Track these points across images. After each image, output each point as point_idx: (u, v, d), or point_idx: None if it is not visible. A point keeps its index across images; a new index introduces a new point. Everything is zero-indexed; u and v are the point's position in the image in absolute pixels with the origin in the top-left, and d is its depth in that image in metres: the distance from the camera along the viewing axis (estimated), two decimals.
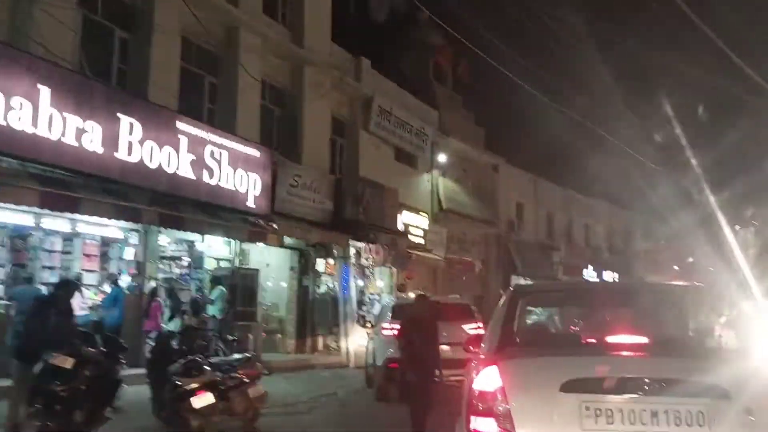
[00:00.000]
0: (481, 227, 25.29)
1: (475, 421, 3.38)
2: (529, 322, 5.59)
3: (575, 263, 31.06)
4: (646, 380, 3.23)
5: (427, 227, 20.67)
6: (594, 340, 4.26)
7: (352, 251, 16.28)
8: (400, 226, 18.50)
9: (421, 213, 20.40)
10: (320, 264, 16.11)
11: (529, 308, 6.04)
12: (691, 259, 47.08)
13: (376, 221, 16.70)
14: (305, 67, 15.84)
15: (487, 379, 3.42)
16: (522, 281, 27.46)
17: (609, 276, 34.69)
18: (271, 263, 15.18)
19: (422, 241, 20.22)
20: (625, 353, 3.61)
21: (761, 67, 12.45)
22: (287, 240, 14.58)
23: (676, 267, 47.05)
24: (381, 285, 17.84)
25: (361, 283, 16.86)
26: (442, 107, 24.03)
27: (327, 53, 16.69)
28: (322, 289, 16.18)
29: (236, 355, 8.38)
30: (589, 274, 32.81)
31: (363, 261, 17.21)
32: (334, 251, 15.82)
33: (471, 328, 10.09)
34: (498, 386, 3.34)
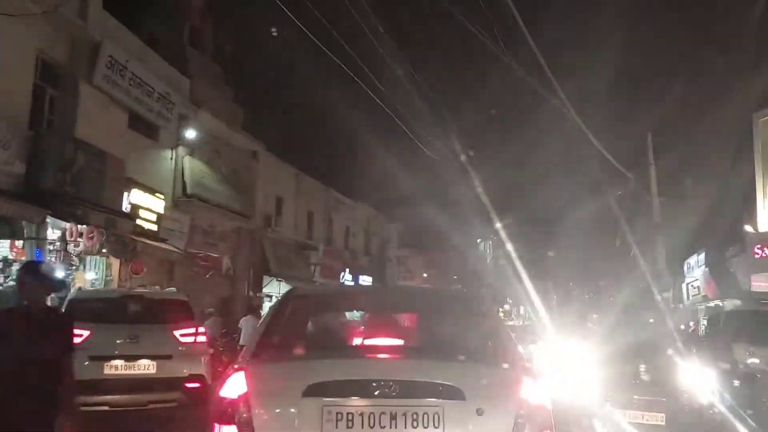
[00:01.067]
0: (234, 220, 22.38)
1: (219, 430, 3.31)
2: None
3: (333, 265, 29.53)
4: (389, 382, 3.27)
5: (163, 212, 17.25)
6: (353, 343, 4.38)
7: (52, 232, 12.49)
8: (126, 207, 14.94)
9: (157, 195, 16.96)
10: (4, 247, 12.08)
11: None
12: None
13: (91, 196, 13.05)
14: None
15: (232, 385, 3.38)
16: (276, 283, 25.19)
17: (365, 280, 33.96)
18: None
19: (155, 228, 16.78)
20: (378, 356, 3.77)
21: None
22: None
23: (425, 274, 48.92)
24: (92, 278, 14.08)
25: (61, 274, 12.99)
26: (196, 77, 20.78)
27: None
28: (9, 281, 12.12)
29: None
30: (346, 277, 31.63)
31: (71, 246, 13.42)
32: (25, 230, 11.88)
33: (185, 335, 7.41)
34: (242, 393, 3.31)
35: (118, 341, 7.79)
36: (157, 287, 15.50)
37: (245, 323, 14.67)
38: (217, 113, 21.37)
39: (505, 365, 3.71)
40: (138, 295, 8.52)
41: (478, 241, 60.55)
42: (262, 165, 25.06)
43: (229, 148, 22.84)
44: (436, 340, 4.64)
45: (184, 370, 7.81)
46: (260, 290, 24.61)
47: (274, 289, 25.51)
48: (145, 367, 7.58)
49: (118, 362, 7.55)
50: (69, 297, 8.26)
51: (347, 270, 31.61)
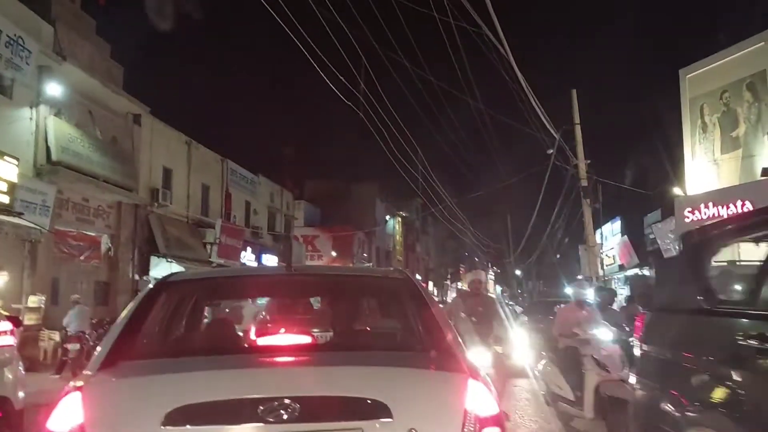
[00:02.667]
0: (113, 192, 19.36)
1: None
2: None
3: (232, 244, 26.85)
4: (286, 402, 2.39)
5: (17, 180, 14.19)
6: (243, 344, 3.72)
7: None
8: None
9: (6, 159, 13.87)
10: None
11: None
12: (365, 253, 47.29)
13: None
14: None
15: (62, 413, 2.43)
16: (167, 265, 22.36)
17: (269, 260, 31.51)
18: None
19: (6, 200, 13.73)
20: (274, 360, 2.86)
21: None
22: None
23: (333, 253, 47.10)
24: None
25: None
26: (62, 24, 17.57)
27: None
28: None
29: None
30: (248, 257, 29.05)
31: None
32: None
33: None
34: (76, 425, 2.38)
35: None
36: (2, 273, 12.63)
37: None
38: (89, 69, 18.26)
39: (444, 365, 2.78)
40: None
41: (387, 218, 59.40)
42: (146, 131, 22.03)
43: (105, 110, 19.78)
44: (351, 334, 3.98)
45: None
46: (146, 273, 21.70)
47: (164, 272, 22.62)
48: None
49: None
50: None
51: (248, 249, 29.00)
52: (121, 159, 19.80)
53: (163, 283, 3.58)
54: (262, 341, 3.48)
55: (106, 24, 20.80)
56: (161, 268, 22.33)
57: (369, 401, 2.48)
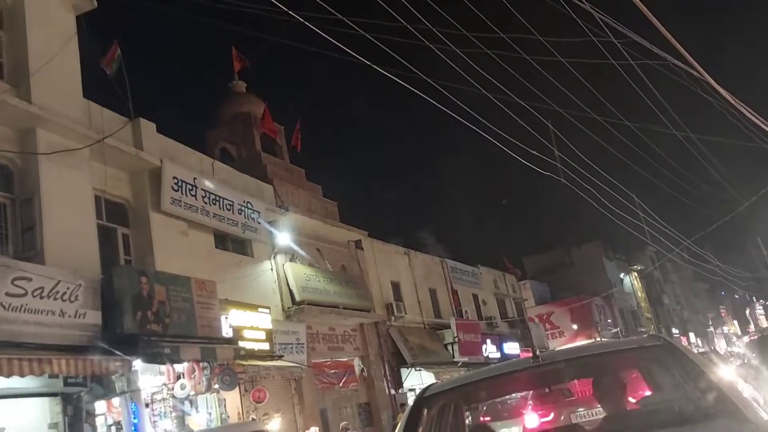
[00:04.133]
0: (353, 317, 20.64)
1: None
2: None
3: (471, 339, 26.88)
4: None
5: (272, 327, 15.71)
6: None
7: (145, 381, 11.13)
8: (227, 332, 13.48)
9: (260, 310, 15.49)
10: (100, 407, 10.77)
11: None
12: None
13: (181, 330, 11.66)
14: (37, 130, 11.05)
15: None
16: (416, 374, 22.93)
17: (511, 347, 30.92)
18: (9, 425, 9.67)
19: (266, 347, 15.20)
20: None
21: None
22: (28, 383, 9.32)
23: (574, 326, 45.02)
24: (206, 419, 12.47)
25: (169, 424, 11.50)
26: (278, 180, 19.80)
27: (77, 112, 12.03)
28: None
29: None
30: (488, 349, 28.77)
31: (177, 391, 11.98)
32: (115, 384, 10.53)
33: None
34: None
35: None
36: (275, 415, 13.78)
37: None
38: (308, 212, 20.20)
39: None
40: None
41: (621, 276, 56.00)
42: (368, 252, 23.47)
43: (330, 244, 21.51)
44: (622, 415, 3.60)
45: None
46: (400, 386, 22.38)
47: (416, 381, 23.22)
48: None
49: None
50: None
51: (488, 341, 28.76)
52: (353, 284, 21.17)
53: (421, 399, 3.64)
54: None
55: (315, 170, 23.04)
56: (412, 378, 22.94)
57: None
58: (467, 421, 4.80)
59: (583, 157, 12.60)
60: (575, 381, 5.01)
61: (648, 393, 4.14)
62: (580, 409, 4.37)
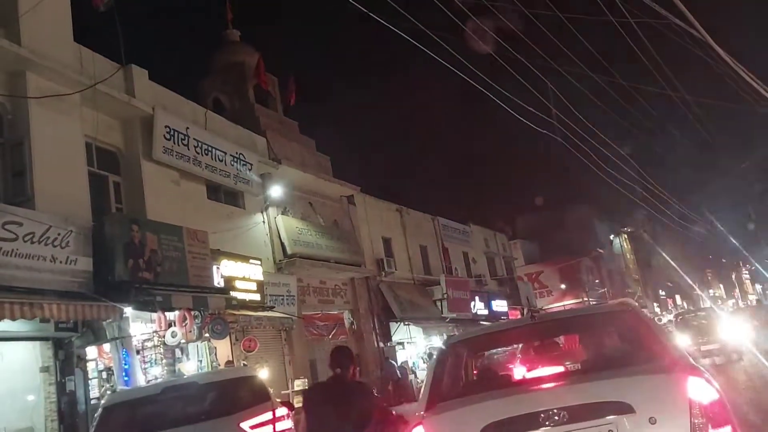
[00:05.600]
0: (344, 271, 20.79)
1: None
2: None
3: (460, 296, 27.18)
4: (558, 411, 3.37)
5: (263, 278, 15.80)
6: (518, 378, 4.86)
7: (136, 328, 11.22)
8: (218, 282, 13.55)
9: (252, 261, 15.55)
10: (91, 353, 10.88)
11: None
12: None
13: (172, 279, 11.72)
14: (27, 74, 10.86)
15: None
16: (404, 328, 23.25)
17: (499, 305, 31.31)
18: (0, 369, 9.78)
19: (257, 297, 15.32)
20: (543, 386, 3.91)
21: None
22: (19, 327, 9.38)
23: (562, 286, 45.48)
24: (196, 367, 12.62)
25: (159, 371, 11.64)
26: (271, 133, 19.64)
27: (68, 56, 11.82)
28: (99, 390, 10.91)
29: None
30: (477, 306, 29.11)
31: (168, 339, 12.09)
32: (106, 331, 10.61)
33: (257, 425, 5.42)
34: None
35: None
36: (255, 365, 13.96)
37: None
38: (301, 165, 20.10)
39: (667, 369, 3.62)
40: (185, 383, 6.42)
41: (611, 237, 56.39)
42: (360, 208, 23.51)
43: (322, 198, 21.49)
44: (592, 360, 5.15)
45: None
46: (389, 340, 22.70)
47: (404, 335, 23.55)
48: None
49: None
50: (102, 404, 6.41)
51: (476, 298, 29.10)
52: (345, 239, 21.24)
53: (446, 344, 4.76)
54: (530, 375, 4.51)
55: (308, 123, 22.78)
56: (401, 332, 23.25)
57: (616, 402, 3.36)
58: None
59: (578, 115, 12.46)
60: (562, 337, 6.48)
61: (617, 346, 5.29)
62: (567, 363, 5.50)
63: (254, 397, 5.60)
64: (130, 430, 5.69)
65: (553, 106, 10.33)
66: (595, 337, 5.57)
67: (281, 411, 5.51)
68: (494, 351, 11.69)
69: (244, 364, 13.80)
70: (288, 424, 5.67)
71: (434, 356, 4.57)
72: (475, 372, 5.51)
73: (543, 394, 3.72)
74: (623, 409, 3.30)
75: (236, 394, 5.65)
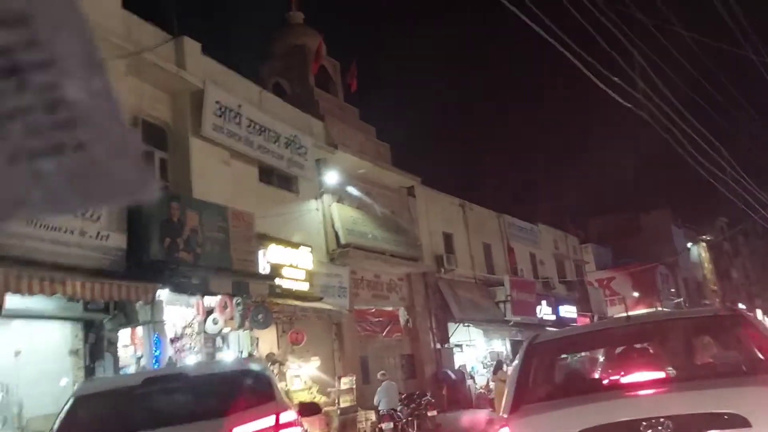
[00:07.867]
0: (400, 265, 19.75)
1: None
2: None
3: (525, 299, 25.69)
4: (661, 420, 3.09)
5: (313, 267, 14.93)
6: (612, 383, 4.36)
7: (173, 313, 10.51)
8: (264, 268, 12.74)
9: (303, 248, 14.70)
10: (123, 337, 10.22)
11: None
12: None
13: (212, 261, 10.95)
14: None
15: None
16: (464, 329, 22.03)
17: (568, 311, 29.61)
18: (26, 349, 9.19)
19: (305, 287, 14.46)
20: (641, 392, 3.57)
21: None
22: (46, 305, 8.78)
23: (635, 294, 43.09)
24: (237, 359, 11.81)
25: (193, 359, 10.88)
26: (330, 118, 18.80)
27: (114, 23, 11.24)
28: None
29: None
30: (544, 310, 27.53)
31: (209, 326, 11.36)
32: (139, 314, 9.91)
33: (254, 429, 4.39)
34: None
35: None
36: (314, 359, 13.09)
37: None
38: (360, 153, 19.17)
39: None
40: (172, 375, 5.38)
41: (689, 245, 53.29)
42: (420, 201, 22.39)
43: (380, 188, 20.49)
44: (696, 368, 4.47)
45: None
46: (447, 341, 21.51)
47: (463, 337, 22.32)
48: None
49: None
50: (74, 392, 5.43)
51: (543, 302, 27.49)
52: (403, 232, 20.20)
53: (532, 344, 4.41)
54: (627, 379, 3.99)
55: (369, 110, 21.87)
56: (459, 333, 22.04)
57: (729, 414, 3.04)
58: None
59: (668, 94, 10.92)
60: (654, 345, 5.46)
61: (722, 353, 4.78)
62: (668, 369, 4.52)
63: (255, 397, 4.56)
64: (98, 428, 4.79)
65: (639, 79, 8.96)
66: (696, 343, 5.04)
67: (287, 416, 4.49)
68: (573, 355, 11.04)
69: (277, 361, 12.85)
70: (297, 431, 4.63)
71: (517, 357, 4.37)
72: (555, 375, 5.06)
73: (645, 400, 3.40)
74: (737, 422, 3.02)
75: (233, 392, 4.61)
